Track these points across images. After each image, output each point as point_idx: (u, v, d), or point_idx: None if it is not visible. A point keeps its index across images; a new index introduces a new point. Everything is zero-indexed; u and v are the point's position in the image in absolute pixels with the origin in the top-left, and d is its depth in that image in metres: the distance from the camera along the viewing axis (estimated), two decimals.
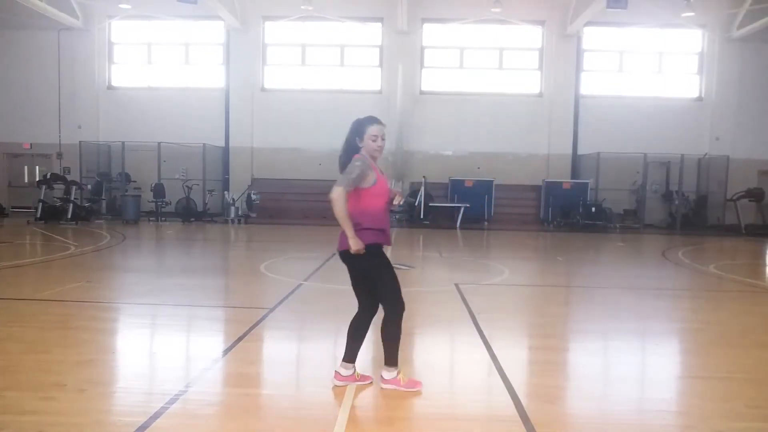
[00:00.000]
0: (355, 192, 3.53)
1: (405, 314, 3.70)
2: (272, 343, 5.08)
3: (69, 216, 16.26)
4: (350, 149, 3.65)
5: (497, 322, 5.74)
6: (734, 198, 18.16)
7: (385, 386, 3.73)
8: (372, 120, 3.64)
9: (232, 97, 19.81)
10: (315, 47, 19.92)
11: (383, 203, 3.65)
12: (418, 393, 3.68)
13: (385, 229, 3.65)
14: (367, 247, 3.52)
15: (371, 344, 4.38)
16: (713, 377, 4.19)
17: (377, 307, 3.76)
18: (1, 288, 7.05)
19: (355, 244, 3.47)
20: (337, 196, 3.43)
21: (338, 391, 3.68)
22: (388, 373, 3.73)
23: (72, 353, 4.39)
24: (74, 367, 4.04)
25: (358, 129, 3.63)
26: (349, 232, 3.47)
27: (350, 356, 3.79)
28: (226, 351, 4.55)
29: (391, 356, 3.72)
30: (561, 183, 18.95)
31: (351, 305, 3.86)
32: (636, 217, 18.81)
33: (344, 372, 3.78)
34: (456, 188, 18.80)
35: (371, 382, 3.83)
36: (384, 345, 3.72)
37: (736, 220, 17.83)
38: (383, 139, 3.62)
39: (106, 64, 20.04)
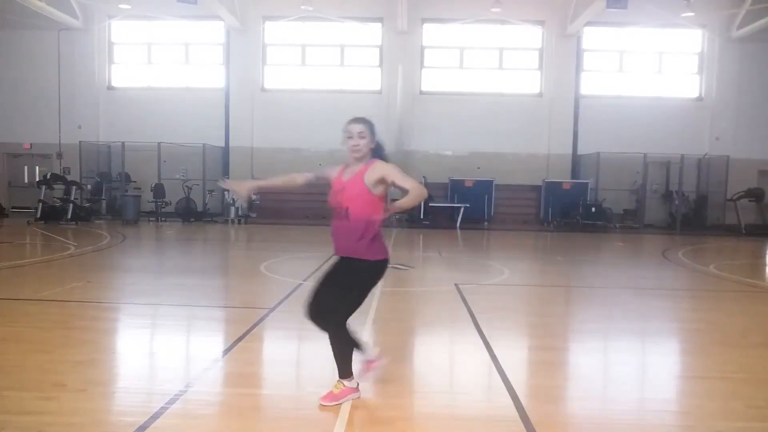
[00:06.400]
0: None
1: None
2: (272, 343, 5.09)
3: (69, 216, 16.24)
4: None
5: (497, 322, 5.74)
6: (734, 198, 18.15)
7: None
8: (350, 120, 3.45)
9: (232, 97, 19.80)
10: (315, 47, 19.90)
11: (332, 208, 3.47)
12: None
13: (333, 240, 3.49)
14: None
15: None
16: (713, 377, 4.19)
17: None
18: (1, 288, 7.05)
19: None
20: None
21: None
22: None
23: (72, 353, 4.39)
24: (74, 367, 4.04)
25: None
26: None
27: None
28: (226, 351, 4.55)
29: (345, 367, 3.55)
30: (561, 183, 18.96)
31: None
32: (636, 217, 18.80)
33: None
34: (456, 188, 18.80)
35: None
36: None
37: (736, 220, 17.82)
38: (361, 137, 3.34)
39: (106, 64, 20.03)
